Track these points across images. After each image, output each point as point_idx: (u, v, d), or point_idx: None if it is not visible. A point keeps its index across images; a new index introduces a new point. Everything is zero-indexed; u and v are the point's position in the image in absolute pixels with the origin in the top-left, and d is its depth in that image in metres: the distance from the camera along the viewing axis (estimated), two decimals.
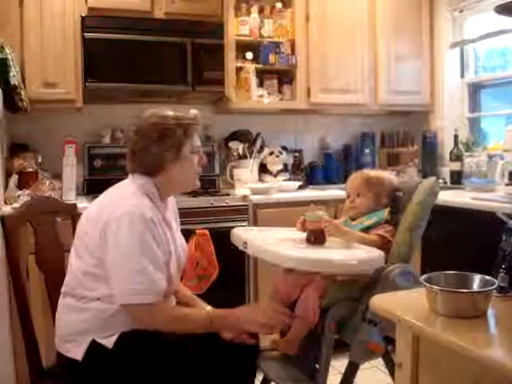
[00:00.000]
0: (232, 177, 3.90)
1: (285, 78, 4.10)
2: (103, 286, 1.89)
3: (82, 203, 3.10)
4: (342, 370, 2.14)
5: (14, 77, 3.07)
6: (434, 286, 1.36)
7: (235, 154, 4.00)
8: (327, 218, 2.14)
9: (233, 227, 2.45)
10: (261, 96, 3.96)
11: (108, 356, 1.88)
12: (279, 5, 3.98)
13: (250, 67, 3.89)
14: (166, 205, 2.09)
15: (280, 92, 4.09)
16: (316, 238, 2.13)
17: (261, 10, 3.99)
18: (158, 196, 2.01)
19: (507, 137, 3.52)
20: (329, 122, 4.55)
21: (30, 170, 3.32)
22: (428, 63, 4.34)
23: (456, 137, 4.10)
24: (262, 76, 4.04)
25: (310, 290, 2.13)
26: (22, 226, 2.16)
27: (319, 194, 3.75)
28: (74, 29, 3.39)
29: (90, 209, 2.02)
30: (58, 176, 3.40)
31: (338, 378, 2.14)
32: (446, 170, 4.20)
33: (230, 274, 3.28)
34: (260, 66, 3.94)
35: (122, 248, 1.83)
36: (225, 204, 3.41)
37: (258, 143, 4.07)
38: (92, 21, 3.38)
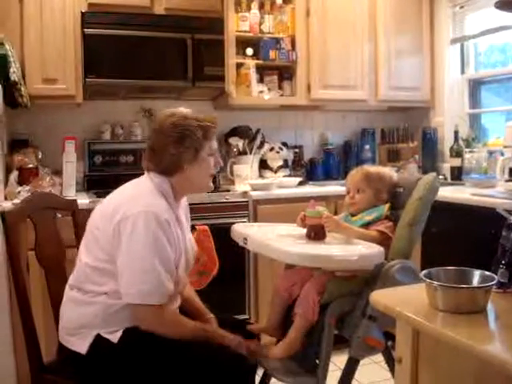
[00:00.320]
0: (232, 173, 3.90)
1: (285, 73, 4.10)
2: (111, 281, 1.89)
3: (82, 199, 3.11)
4: (342, 366, 2.15)
5: (14, 73, 3.07)
6: (434, 282, 1.36)
7: (235, 150, 4.00)
8: (327, 214, 2.14)
9: (233, 223, 2.46)
10: (261, 92, 3.95)
11: (112, 351, 1.88)
12: (279, 0, 3.97)
13: (251, 63, 3.89)
14: (178, 204, 2.10)
15: (280, 88, 4.09)
16: (316, 233, 2.14)
17: (261, 6, 3.98)
18: (172, 196, 2.01)
19: (507, 133, 3.52)
20: (329, 118, 4.55)
21: (30, 165, 3.32)
22: (428, 59, 4.34)
23: (456, 133, 4.10)
24: (262, 72, 4.04)
25: (310, 286, 2.13)
26: (22, 222, 2.16)
27: (319, 190, 3.75)
28: (73, 24, 3.39)
29: (105, 204, 2.02)
30: (58, 172, 3.41)
31: (338, 373, 2.14)
32: (447, 165, 4.20)
33: (230, 269, 3.28)
34: (260, 61, 3.93)
35: (136, 247, 1.84)
36: (225, 200, 3.41)
37: (258, 139, 4.07)
38: (92, 16, 3.38)
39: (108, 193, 2.95)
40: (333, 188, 3.73)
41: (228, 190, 3.56)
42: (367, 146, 4.47)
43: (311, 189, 3.86)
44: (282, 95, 4.06)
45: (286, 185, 3.84)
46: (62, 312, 2.02)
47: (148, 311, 1.88)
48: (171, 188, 2.01)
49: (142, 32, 3.47)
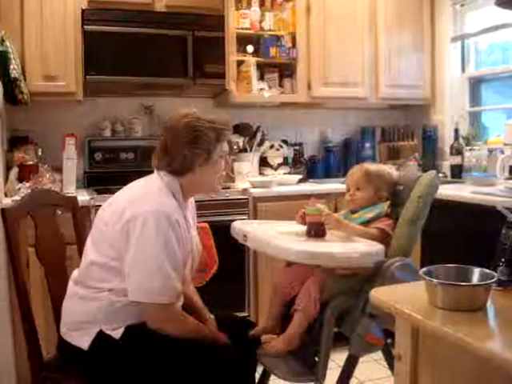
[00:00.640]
0: (232, 170, 3.90)
1: (285, 71, 4.10)
2: (117, 278, 1.90)
3: (82, 196, 3.11)
4: (342, 364, 2.15)
5: (15, 69, 3.07)
6: (434, 279, 1.36)
7: (235, 147, 4.00)
8: (327, 212, 2.14)
9: (233, 220, 2.45)
10: (261, 89, 3.95)
11: (114, 347, 1.89)
12: None
13: (251, 60, 3.89)
14: (187, 204, 2.10)
15: (281, 85, 4.08)
16: (316, 231, 2.14)
17: (261, 3, 3.97)
18: (181, 195, 2.02)
19: (507, 131, 3.52)
20: (329, 116, 4.55)
21: (31, 162, 3.32)
22: (429, 57, 4.33)
23: (456, 131, 4.10)
24: (262, 69, 4.03)
25: (310, 283, 2.13)
26: (22, 219, 2.16)
27: (319, 188, 3.75)
28: (74, 21, 3.38)
29: (114, 200, 2.02)
30: (58, 169, 3.40)
31: (338, 371, 2.14)
32: (447, 163, 4.20)
33: (230, 267, 3.28)
34: (261, 59, 3.93)
35: (146, 246, 1.84)
36: (225, 197, 3.41)
37: (259, 136, 4.07)
38: (92, 13, 3.38)
39: (108, 190, 2.96)
40: (333, 186, 3.72)
41: (228, 188, 3.56)
42: (367, 144, 4.48)
43: (311, 186, 3.86)
44: (282, 92, 4.06)
45: (286, 182, 3.84)
46: (64, 307, 2.03)
47: (156, 310, 1.89)
48: (180, 188, 2.01)
49: (143, 29, 3.47)
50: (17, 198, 2.92)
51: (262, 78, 4.03)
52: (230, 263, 3.27)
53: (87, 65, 3.39)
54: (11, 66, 3.05)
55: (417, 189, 2.19)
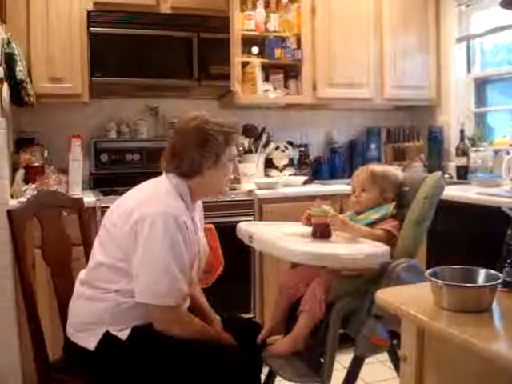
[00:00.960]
0: (238, 171, 3.89)
1: (290, 72, 4.09)
2: (124, 279, 1.90)
3: (88, 197, 3.12)
4: (347, 365, 2.15)
5: (21, 71, 3.08)
6: (439, 281, 1.36)
7: (241, 148, 4.00)
8: (333, 213, 2.14)
9: (238, 222, 2.45)
10: (266, 91, 3.95)
11: (121, 348, 1.89)
12: None
13: (256, 62, 3.89)
14: (194, 206, 2.10)
15: (286, 87, 4.09)
16: (321, 232, 2.14)
17: (267, 5, 3.97)
18: (189, 198, 2.02)
19: None
20: (335, 117, 4.54)
21: (37, 164, 3.33)
22: (434, 58, 4.33)
23: (462, 132, 4.10)
24: (267, 71, 4.03)
25: (316, 284, 2.13)
26: (28, 220, 2.16)
27: (325, 189, 3.75)
28: (80, 23, 3.39)
29: (122, 202, 2.03)
30: (64, 170, 3.41)
31: (343, 372, 2.14)
32: (452, 164, 4.19)
33: (236, 268, 3.28)
34: (266, 60, 3.93)
35: (153, 248, 1.84)
36: (230, 199, 3.41)
37: (264, 138, 4.07)
38: (98, 15, 3.39)
39: (114, 191, 2.97)
40: (338, 187, 3.72)
41: (234, 189, 3.56)
42: (373, 145, 4.48)
43: (317, 187, 3.85)
44: (287, 94, 4.06)
45: (291, 183, 3.84)
46: (71, 307, 2.03)
47: (163, 311, 1.89)
48: (189, 190, 2.02)
49: (148, 31, 3.47)
50: (23, 199, 2.93)
51: (267, 79, 4.03)
52: (236, 264, 3.27)
53: (93, 66, 3.40)
54: (17, 68, 3.06)
55: (422, 190, 2.19)
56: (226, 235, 2.91)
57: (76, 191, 3.31)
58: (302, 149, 4.31)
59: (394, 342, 2.12)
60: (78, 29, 3.40)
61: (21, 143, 3.50)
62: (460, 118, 4.26)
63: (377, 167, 2.42)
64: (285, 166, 4.14)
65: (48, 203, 2.32)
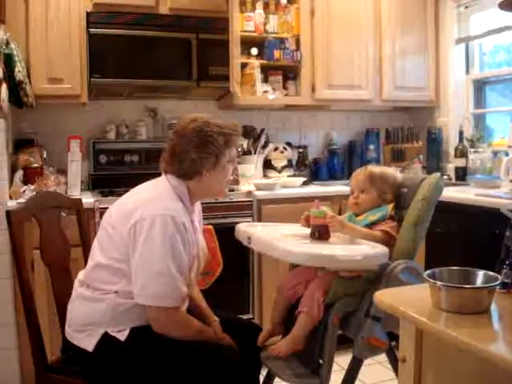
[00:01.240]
0: (236, 172, 3.89)
1: (289, 73, 4.10)
2: (123, 280, 1.90)
3: (87, 198, 3.12)
4: (346, 366, 2.14)
5: (20, 72, 3.08)
6: (438, 282, 1.36)
7: (240, 149, 4.00)
8: (331, 214, 2.14)
9: (237, 223, 2.46)
10: (265, 92, 3.95)
11: (119, 349, 1.89)
12: (284, 0, 3.97)
13: (255, 63, 3.89)
14: (193, 208, 2.10)
15: (285, 88, 4.09)
16: (320, 233, 2.14)
17: (266, 6, 3.98)
18: (188, 199, 2.02)
19: None
20: (333, 118, 4.55)
21: (35, 165, 3.33)
22: (433, 59, 4.33)
23: (461, 133, 4.10)
24: (266, 72, 4.03)
25: (314, 285, 2.14)
26: (27, 221, 2.17)
27: (323, 190, 3.75)
28: (79, 24, 3.39)
29: (121, 203, 2.03)
30: (63, 171, 3.41)
31: (342, 373, 2.14)
32: (451, 166, 4.20)
33: (235, 269, 3.29)
34: (265, 61, 3.93)
35: (152, 249, 1.84)
36: (229, 200, 3.41)
37: (263, 139, 4.07)
38: (97, 16, 3.38)
39: (113, 192, 2.97)
40: (337, 188, 3.73)
41: (232, 190, 3.56)
42: (372, 146, 4.48)
43: (315, 189, 3.86)
44: (286, 95, 4.06)
45: (290, 185, 3.84)
46: (70, 308, 2.03)
47: (162, 313, 1.89)
48: (188, 191, 2.02)
49: (147, 32, 3.47)
50: (22, 200, 2.93)
51: (266, 80, 4.03)
52: (235, 265, 3.27)
53: (92, 67, 3.40)
54: (16, 69, 3.05)
55: (421, 191, 2.19)
56: (225, 236, 2.91)
57: (75, 192, 3.30)
58: (301, 150, 4.31)
59: (393, 343, 2.12)
60: (77, 30, 3.39)
61: (20, 144, 3.49)
62: (459, 120, 4.27)
63: (375, 168, 2.42)
64: (283, 167, 4.14)
65: (47, 204, 2.32)
